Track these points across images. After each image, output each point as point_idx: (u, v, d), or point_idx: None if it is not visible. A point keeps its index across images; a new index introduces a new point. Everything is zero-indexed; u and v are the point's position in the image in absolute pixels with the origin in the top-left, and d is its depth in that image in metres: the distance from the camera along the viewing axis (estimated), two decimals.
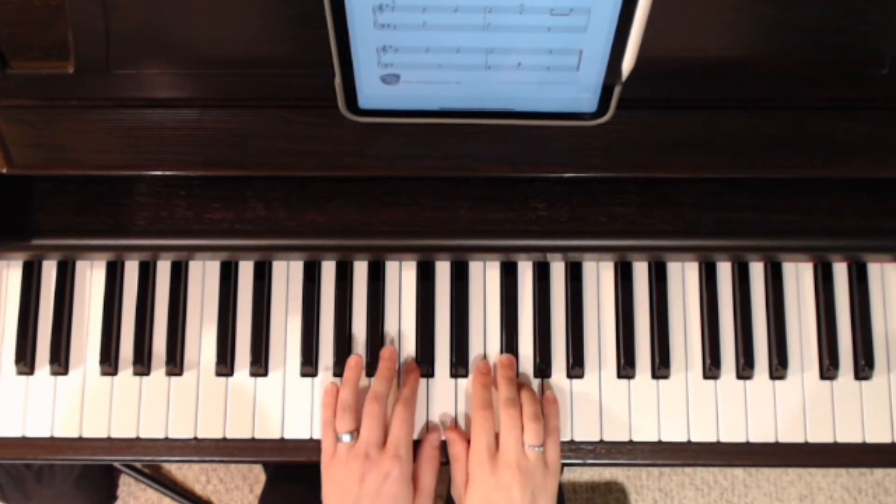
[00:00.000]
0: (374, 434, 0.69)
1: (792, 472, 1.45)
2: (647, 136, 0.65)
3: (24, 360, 0.76)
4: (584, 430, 0.75)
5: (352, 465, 0.69)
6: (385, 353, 0.75)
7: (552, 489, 0.70)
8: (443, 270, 0.77)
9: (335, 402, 0.72)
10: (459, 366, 0.75)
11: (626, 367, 0.75)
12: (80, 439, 0.75)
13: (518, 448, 0.69)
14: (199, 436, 0.75)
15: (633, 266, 0.77)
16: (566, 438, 0.74)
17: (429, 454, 0.72)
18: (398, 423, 0.70)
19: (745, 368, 0.75)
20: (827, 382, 0.75)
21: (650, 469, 1.44)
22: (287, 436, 0.75)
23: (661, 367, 0.75)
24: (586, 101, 0.59)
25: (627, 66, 0.54)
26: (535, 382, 0.75)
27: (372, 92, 0.58)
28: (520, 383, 0.74)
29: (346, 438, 0.70)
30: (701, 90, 0.64)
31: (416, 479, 0.71)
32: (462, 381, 0.75)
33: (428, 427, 0.75)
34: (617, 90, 0.58)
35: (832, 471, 1.44)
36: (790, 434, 0.74)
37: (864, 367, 0.75)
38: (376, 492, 0.67)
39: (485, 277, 0.77)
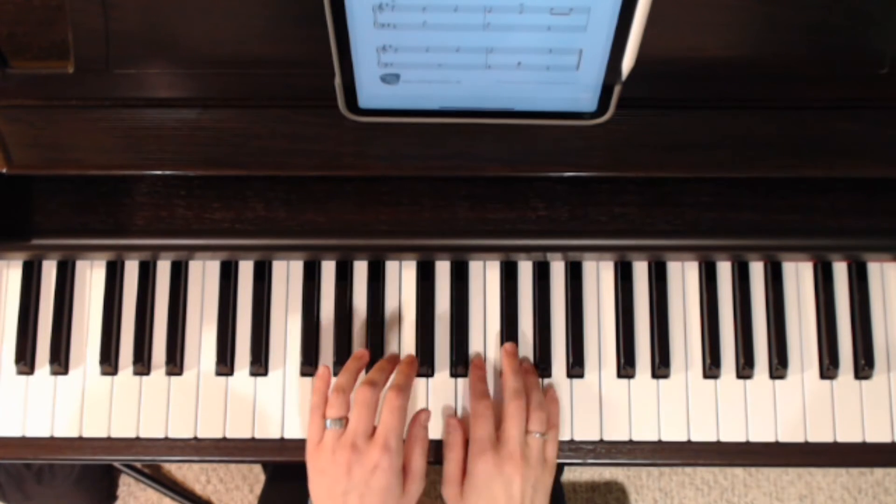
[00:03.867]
0: (362, 423, 0.67)
1: (792, 472, 1.45)
2: (647, 136, 0.65)
3: (24, 360, 0.76)
4: (584, 430, 0.75)
5: (338, 455, 0.66)
6: (389, 355, 0.75)
7: (549, 483, 0.70)
8: (443, 270, 0.77)
9: (326, 388, 0.70)
10: (459, 365, 0.75)
11: (626, 366, 0.75)
12: (80, 439, 0.75)
13: (522, 439, 0.68)
14: (199, 436, 0.75)
15: (633, 266, 0.77)
16: (566, 438, 0.74)
17: (418, 434, 0.71)
18: (388, 412, 0.67)
19: (745, 368, 0.75)
20: (827, 382, 0.75)
21: (650, 469, 1.44)
22: (287, 436, 0.75)
23: (661, 366, 0.75)
24: (586, 100, 0.59)
25: (627, 66, 0.54)
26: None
27: (372, 92, 0.58)
28: (525, 369, 0.74)
29: (335, 426, 0.67)
30: (701, 90, 0.64)
31: (405, 462, 0.69)
32: (462, 381, 0.75)
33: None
34: (617, 90, 0.58)
35: (832, 471, 1.44)
36: (790, 434, 0.74)
37: (864, 366, 0.75)
38: (365, 483, 0.65)
39: (485, 277, 0.77)
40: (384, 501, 0.66)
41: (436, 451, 0.74)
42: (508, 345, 0.75)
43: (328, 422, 0.68)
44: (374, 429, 0.68)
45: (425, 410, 0.73)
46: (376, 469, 0.65)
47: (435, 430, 0.74)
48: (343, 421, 0.68)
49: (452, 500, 0.70)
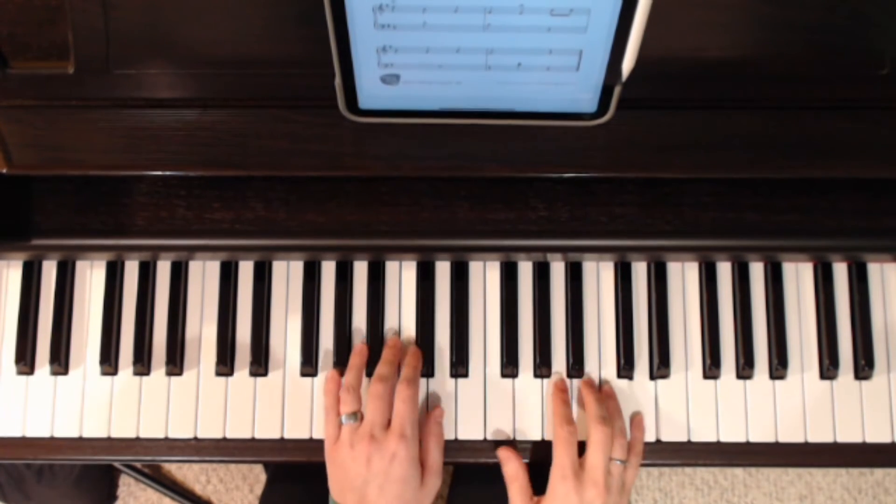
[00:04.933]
0: (378, 415, 0.69)
1: (792, 472, 1.45)
2: (647, 136, 0.64)
3: (24, 360, 0.76)
4: (584, 431, 0.74)
5: (357, 447, 0.68)
6: (390, 341, 0.75)
7: None
8: (443, 270, 0.77)
9: (337, 389, 0.72)
10: (459, 366, 0.75)
11: (625, 367, 0.75)
12: (80, 439, 0.75)
13: (606, 466, 0.68)
14: (199, 436, 0.75)
15: (633, 266, 0.77)
16: None
17: (433, 430, 0.72)
18: (402, 403, 0.69)
19: (745, 368, 0.75)
20: (827, 382, 0.75)
21: (650, 469, 1.44)
22: (287, 436, 0.75)
23: (660, 367, 0.75)
24: (586, 101, 0.59)
25: (627, 66, 0.54)
26: (537, 383, 0.75)
27: (372, 92, 0.58)
28: (606, 394, 0.74)
29: (350, 420, 0.69)
30: (701, 90, 0.64)
31: (422, 457, 0.70)
32: (462, 382, 0.75)
33: None
34: (617, 90, 0.58)
35: (832, 471, 1.44)
36: (790, 434, 0.74)
37: (864, 366, 0.75)
38: (385, 473, 0.67)
39: (485, 277, 0.77)
40: (403, 491, 0.67)
41: (446, 450, 0.74)
42: (588, 378, 0.75)
43: (343, 417, 0.70)
44: (389, 421, 0.69)
45: (439, 407, 0.74)
46: (395, 458, 0.67)
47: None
48: (357, 415, 0.70)
49: None
